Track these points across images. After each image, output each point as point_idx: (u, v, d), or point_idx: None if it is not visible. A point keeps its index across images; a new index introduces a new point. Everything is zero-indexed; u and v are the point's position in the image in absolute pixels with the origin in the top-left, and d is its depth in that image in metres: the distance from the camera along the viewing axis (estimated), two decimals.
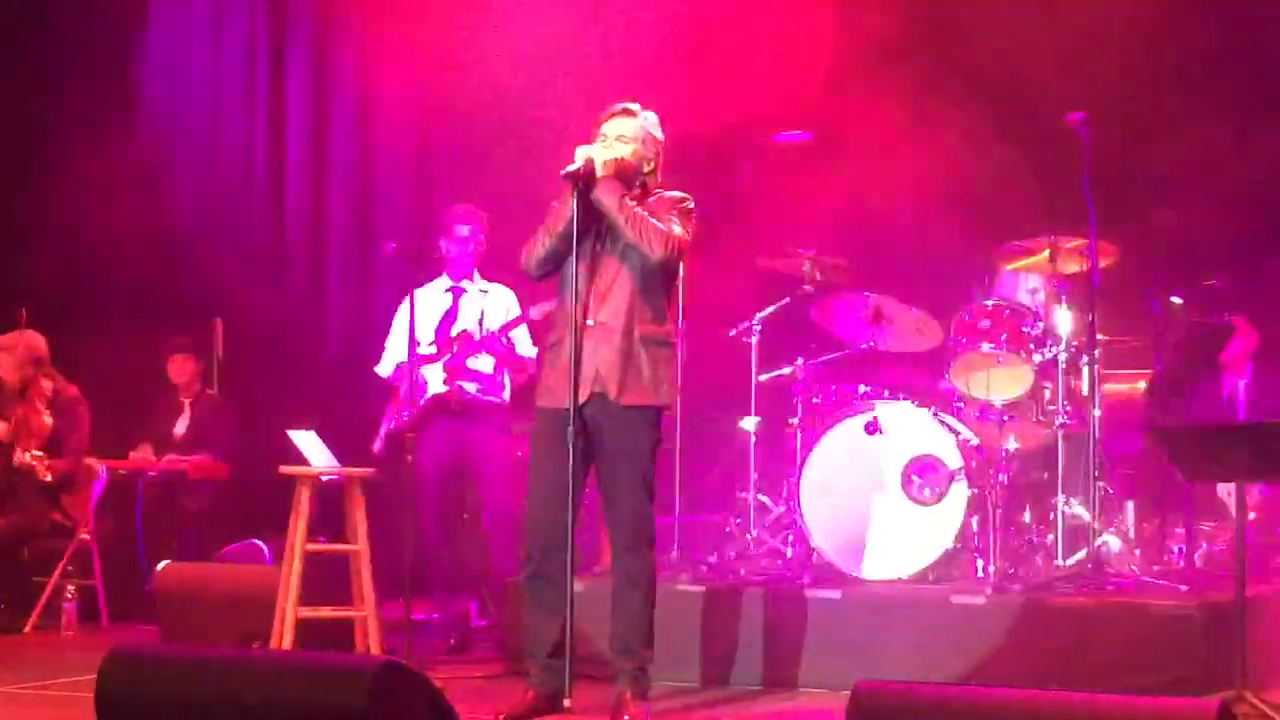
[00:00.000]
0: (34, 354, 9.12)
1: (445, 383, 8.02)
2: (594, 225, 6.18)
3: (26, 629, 8.83)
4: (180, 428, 9.99)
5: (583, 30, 9.85)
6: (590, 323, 6.14)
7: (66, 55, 10.64)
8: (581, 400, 6.09)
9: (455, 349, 8.02)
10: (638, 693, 6.13)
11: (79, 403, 9.27)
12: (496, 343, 7.99)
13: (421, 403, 7.89)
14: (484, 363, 8.08)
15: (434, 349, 8.06)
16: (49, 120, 10.52)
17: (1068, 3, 9.13)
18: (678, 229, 6.17)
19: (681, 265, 6.47)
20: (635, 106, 6.36)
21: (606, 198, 6.11)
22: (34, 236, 10.50)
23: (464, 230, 8.20)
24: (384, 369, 8.27)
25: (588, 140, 6.27)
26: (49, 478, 8.96)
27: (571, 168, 6.10)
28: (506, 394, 8.18)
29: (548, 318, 7.69)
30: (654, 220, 6.13)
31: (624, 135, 6.28)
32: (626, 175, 6.22)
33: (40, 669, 7.43)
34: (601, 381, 6.11)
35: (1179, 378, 7.63)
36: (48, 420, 9.03)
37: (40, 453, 8.94)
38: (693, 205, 6.32)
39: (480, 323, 8.09)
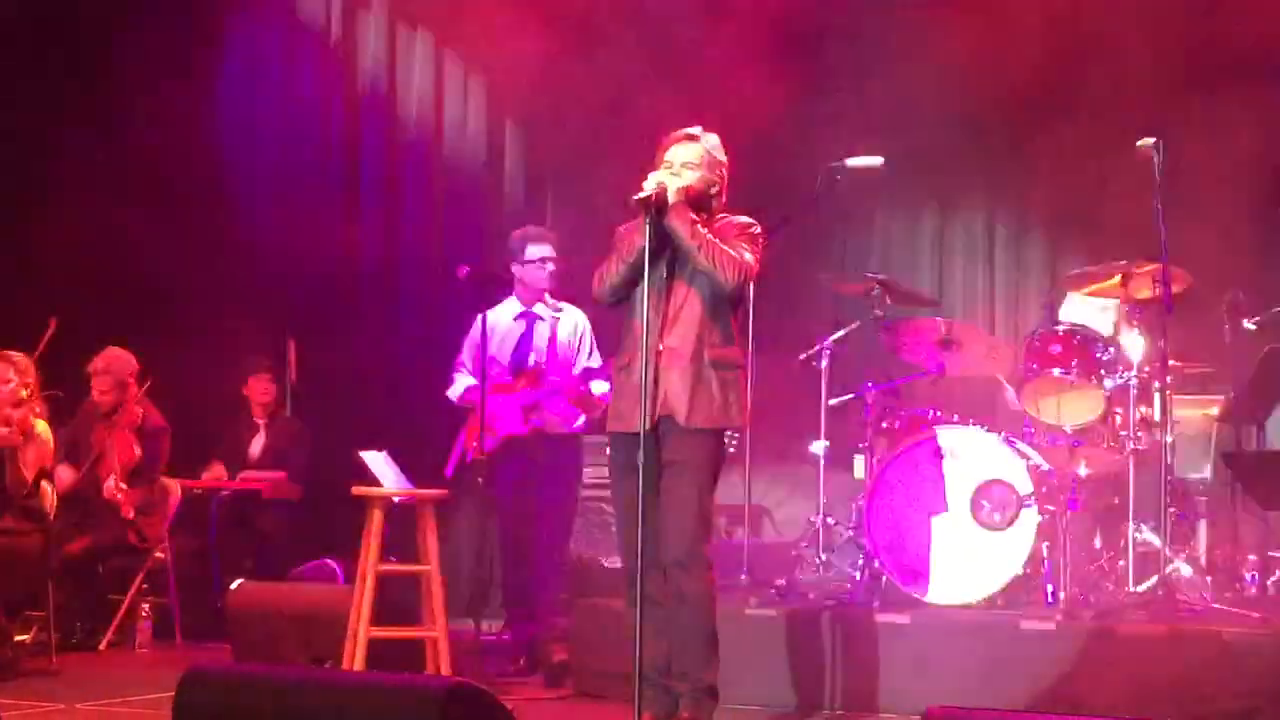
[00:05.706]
0: (130, 369, 9.25)
1: (522, 422, 8.00)
2: (665, 251, 6.17)
3: (101, 646, 8.94)
4: (256, 448, 10.07)
5: (648, 51, 9.86)
6: (661, 347, 6.13)
7: (140, 78, 10.70)
8: (650, 424, 6.08)
9: (528, 385, 8.00)
10: (697, 716, 6.07)
11: (165, 433, 9.36)
12: (574, 388, 8.00)
13: (499, 437, 7.91)
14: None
15: (508, 380, 8.06)
16: (125, 141, 10.60)
17: (1141, 26, 9.09)
18: (748, 255, 6.16)
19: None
20: (697, 131, 6.31)
21: (679, 225, 6.09)
22: (106, 256, 10.57)
23: (539, 251, 8.17)
24: (454, 393, 8.26)
25: (653, 166, 6.22)
26: (132, 515, 9.05)
27: (642, 194, 6.06)
28: (580, 420, 8.18)
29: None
30: (725, 247, 6.12)
31: (689, 162, 6.24)
32: (696, 201, 6.21)
33: (115, 686, 7.51)
34: (670, 405, 6.10)
35: (1254, 404, 7.56)
36: (137, 451, 9.13)
37: (125, 486, 9.02)
38: (759, 230, 6.29)
39: (551, 343, 8.09)
